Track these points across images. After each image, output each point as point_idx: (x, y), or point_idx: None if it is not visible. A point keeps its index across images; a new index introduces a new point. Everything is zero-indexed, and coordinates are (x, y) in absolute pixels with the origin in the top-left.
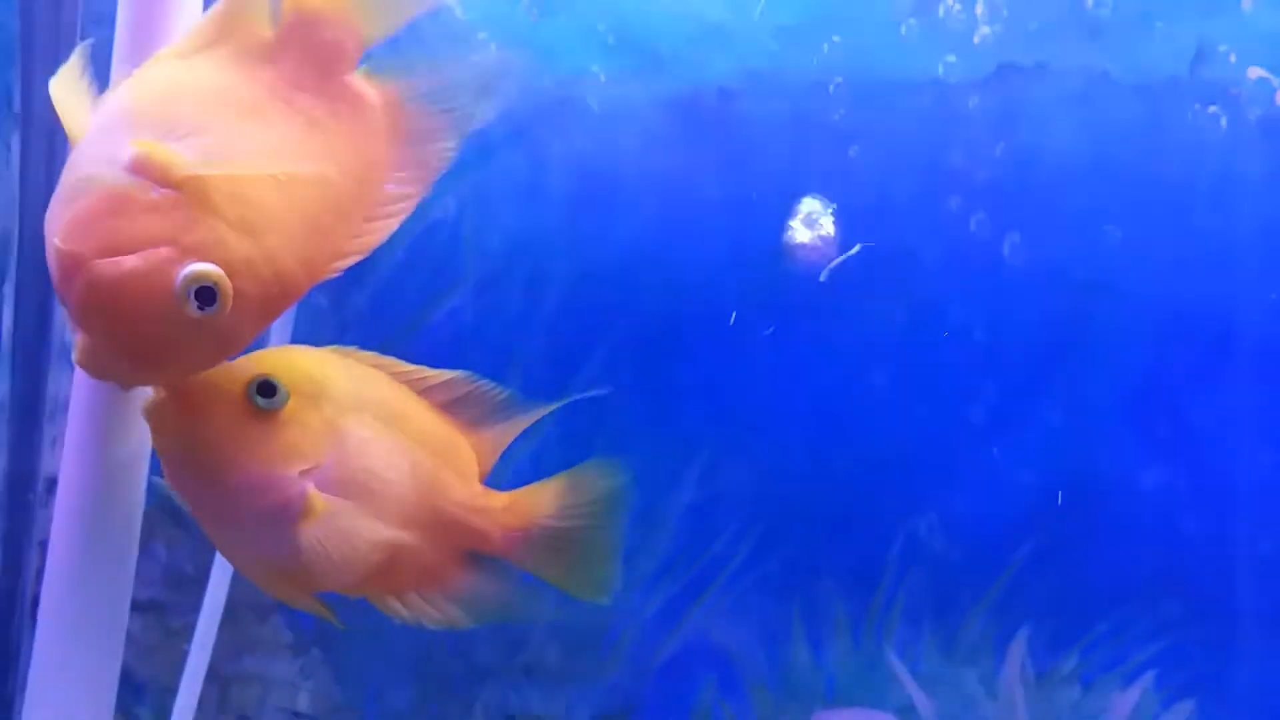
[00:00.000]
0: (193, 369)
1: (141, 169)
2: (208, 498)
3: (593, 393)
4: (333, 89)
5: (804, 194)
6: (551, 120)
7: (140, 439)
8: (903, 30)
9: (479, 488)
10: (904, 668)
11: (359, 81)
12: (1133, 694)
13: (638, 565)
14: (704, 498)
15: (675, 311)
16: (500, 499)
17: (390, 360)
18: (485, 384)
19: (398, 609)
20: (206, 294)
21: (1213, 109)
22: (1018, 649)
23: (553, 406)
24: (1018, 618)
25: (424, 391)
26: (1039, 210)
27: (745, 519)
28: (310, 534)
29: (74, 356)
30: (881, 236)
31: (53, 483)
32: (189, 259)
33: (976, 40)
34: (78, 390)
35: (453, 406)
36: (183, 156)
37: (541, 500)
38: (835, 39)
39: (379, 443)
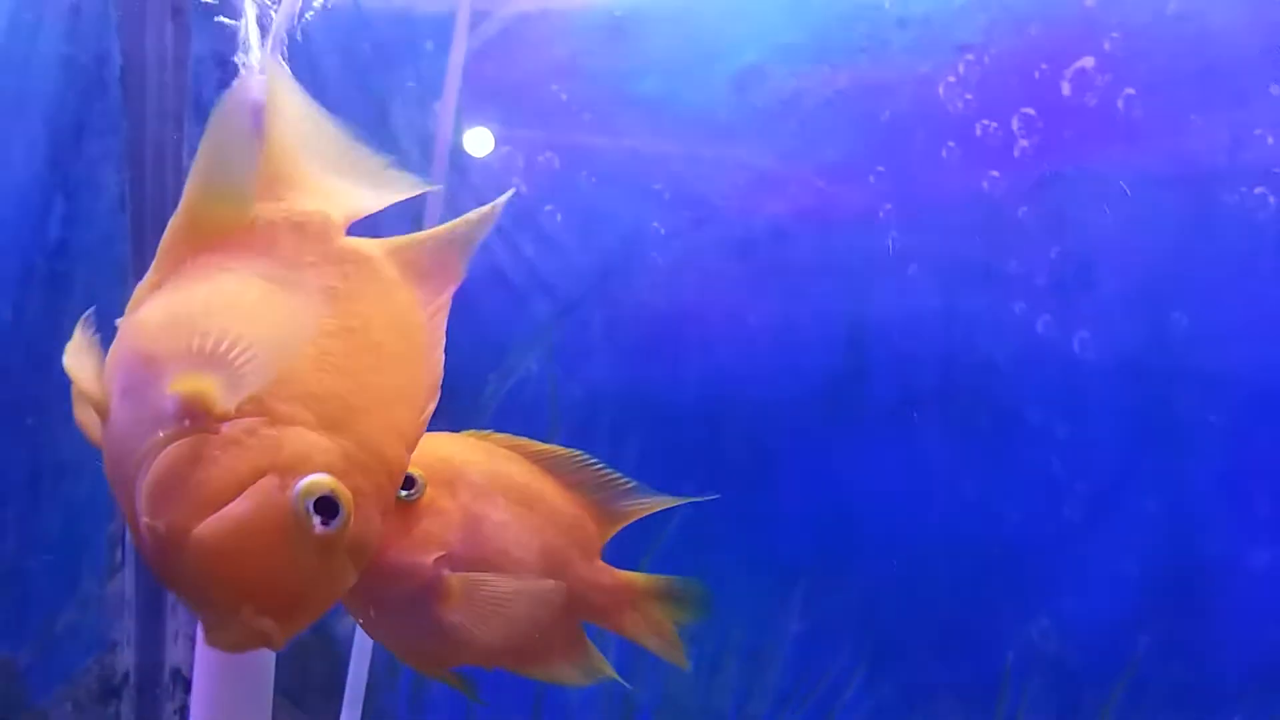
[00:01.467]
0: (338, 593)
1: (193, 411)
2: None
3: (708, 497)
4: (334, 253)
5: (865, 318)
6: (619, 275)
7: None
8: (944, 153)
9: (600, 564)
10: None
11: (354, 240)
12: None
13: (752, 704)
14: (810, 627)
15: (757, 444)
16: (617, 575)
17: (524, 441)
18: (610, 470)
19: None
20: (327, 506)
21: (1260, 189)
22: None
23: (673, 501)
24: (1146, 717)
25: (555, 467)
26: (1103, 306)
27: (854, 644)
28: (449, 615)
29: (207, 640)
30: (954, 348)
31: (176, 674)
32: (292, 478)
33: (1016, 154)
34: None
35: (579, 485)
36: (225, 377)
37: (651, 584)
38: (880, 169)
39: (512, 525)
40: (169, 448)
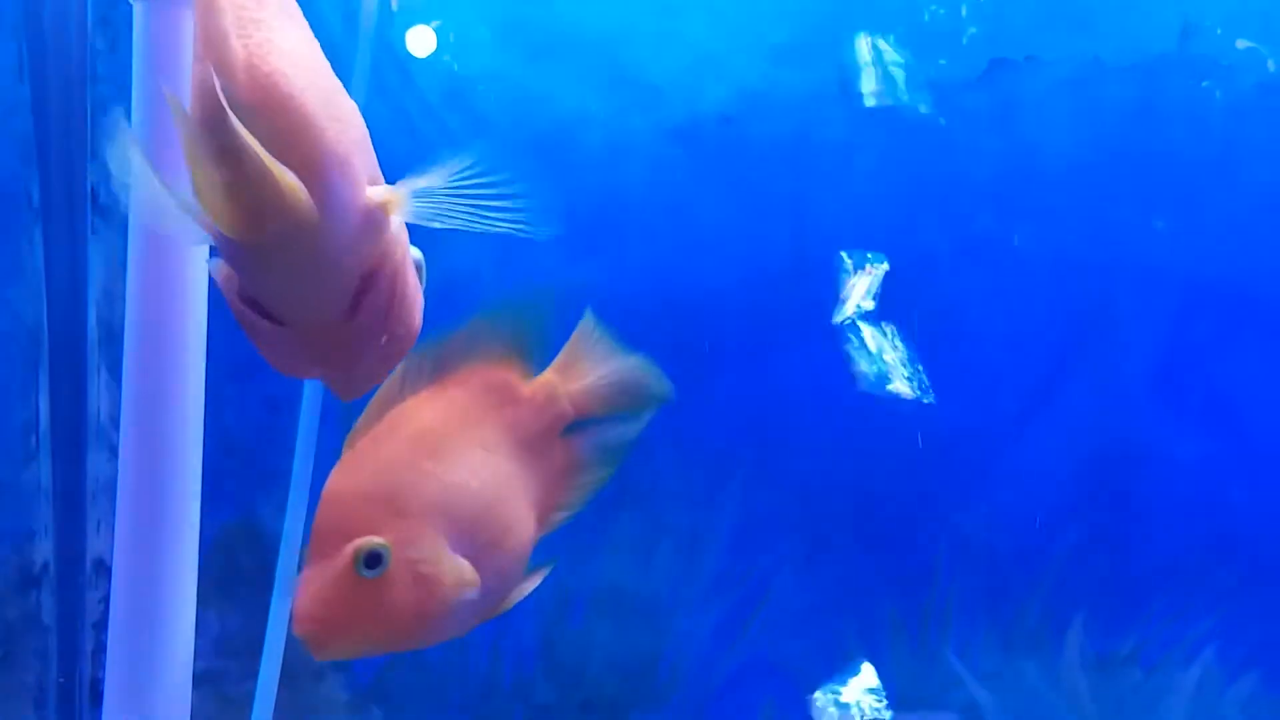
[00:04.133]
0: None
1: None
2: None
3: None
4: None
5: (811, 208)
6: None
7: (189, 516)
8: (890, 39)
9: (532, 390)
10: (964, 667)
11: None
12: (1194, 671)
13: (688, 588)
14: (747, 516)
15: (696, 335)
16: (555, 382)
17: (424, 354)
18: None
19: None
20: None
21: (1206, 83)
22: (1075, 636)
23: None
24: (1073, 605)
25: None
26: (1046, 200)
27: (789, 534)
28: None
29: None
30: (894, 242)
31: (99, 564)
32: None
33: (965, 41)
34: (124, 471)
35: (491, 353)
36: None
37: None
38: (827, 53)
39: (466, 489)
40: None
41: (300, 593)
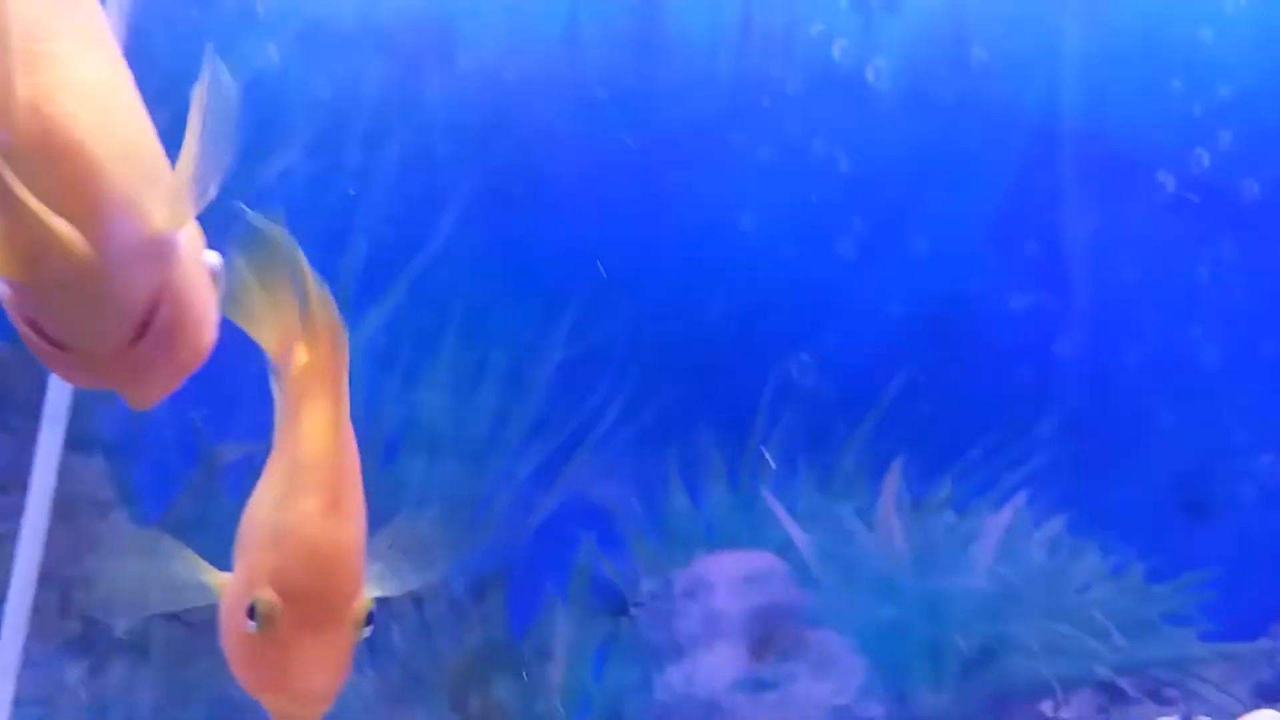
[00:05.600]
0: None
1: None
2: None
3: None
4: None
5: (652, 29)
6: None
7: None
8: None
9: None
10: (780, 506)
11: None
12: (1005, 515)
13: (509, 427)
14: (573, 356)
15: (528, 162)
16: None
17: None
18: None
19: None
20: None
21: None
22: (892, 480)
23: None
24: (892, 449)
25: None
26: (899, 30)
27: (616, 374)
28: None
29: None
30: (741, 70)
31: None
32: None
33: None
34: None
35: None
36: None
37: None
38: None
39: None
40: None
41: (312, 669)
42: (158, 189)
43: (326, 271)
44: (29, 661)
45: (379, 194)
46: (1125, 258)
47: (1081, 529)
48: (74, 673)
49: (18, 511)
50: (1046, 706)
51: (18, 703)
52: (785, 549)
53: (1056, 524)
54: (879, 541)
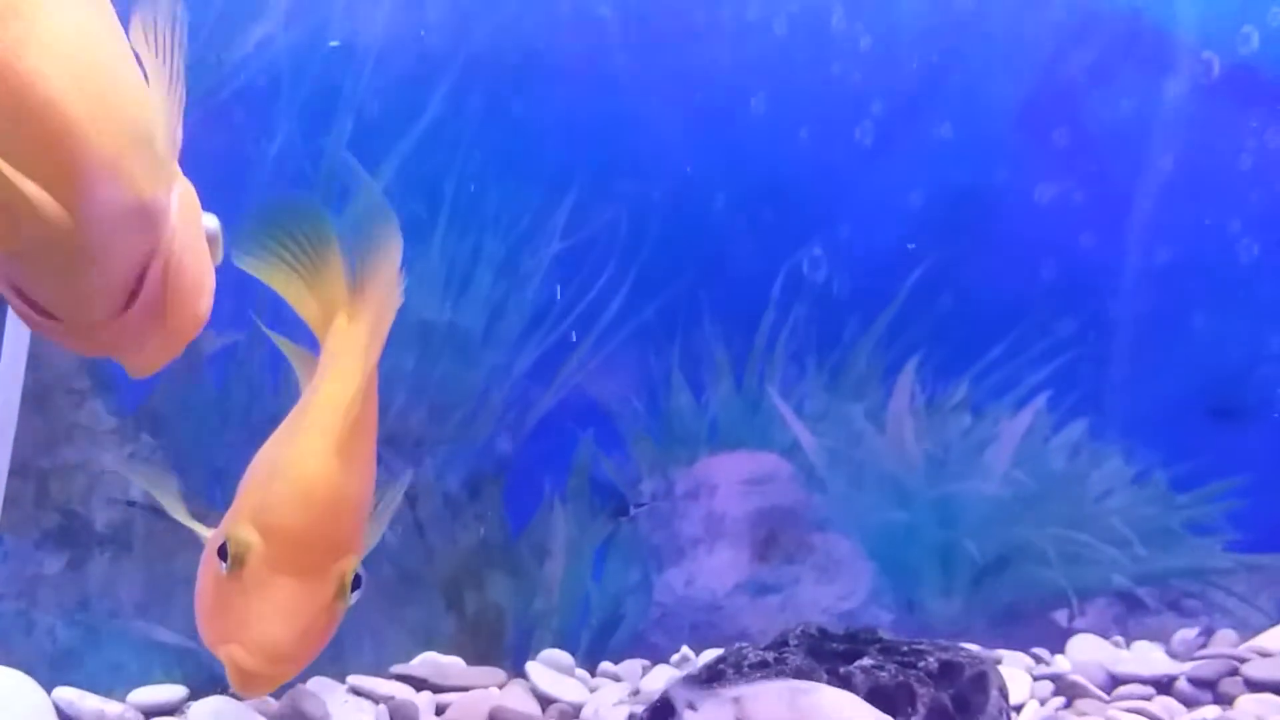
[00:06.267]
0: None
1: None
2: None
3: None
4: None
5: None
6: None
7: None
8: None
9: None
10: (787, 407)
11: None
12: (1024, 418)
13: (505, 320)
14: (573, 244)
15: (522, 38)
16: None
17: None
18: None
19: None
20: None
21: None
22: (906, 379)
23: None
24: (906, 348)
25: None
26: None
27: (618, 264)
28: None
29: None
30: None
31: None
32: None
33: None
34: None
35: None
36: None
37: None
38: None
39: None
40: None
41: (274, 618)
42: (146, 150)
43: (310, 152)
44: (6, 555)
45: (364, 68)
46: (1161, 146)
47: (1103, 434)
48: (53, 566)
49: None
50: (1061, 616)
51: None
52: (791, 451)
53: (1078, 428)
54: (890, 444)
